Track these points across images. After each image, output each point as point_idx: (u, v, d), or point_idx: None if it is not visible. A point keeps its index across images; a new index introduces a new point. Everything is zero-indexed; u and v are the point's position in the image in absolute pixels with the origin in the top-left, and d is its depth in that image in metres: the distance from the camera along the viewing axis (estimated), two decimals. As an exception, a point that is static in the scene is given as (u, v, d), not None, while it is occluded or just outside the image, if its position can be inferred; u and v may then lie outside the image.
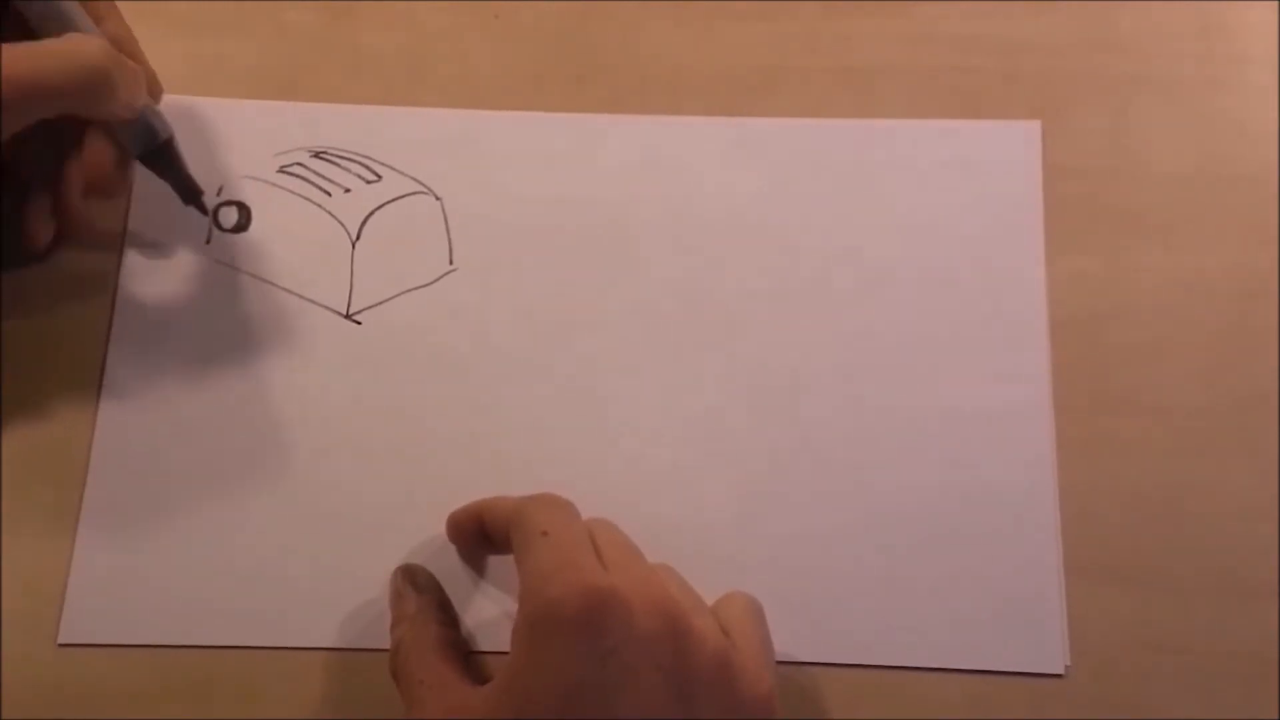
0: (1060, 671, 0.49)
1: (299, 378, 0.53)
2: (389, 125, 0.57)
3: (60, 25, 0.49)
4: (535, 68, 0.58)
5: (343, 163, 0.56)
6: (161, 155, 0.53)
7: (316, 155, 0.56)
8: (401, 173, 0.56)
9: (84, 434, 0.52)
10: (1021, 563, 0.50)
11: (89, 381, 0.52)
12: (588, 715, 0.40)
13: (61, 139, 0.51)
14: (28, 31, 0.49)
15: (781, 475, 0.51)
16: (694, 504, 0.51)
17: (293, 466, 0.51)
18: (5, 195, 0.52)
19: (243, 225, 0.55)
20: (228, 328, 0.53)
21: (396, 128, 0.57)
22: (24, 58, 0.46)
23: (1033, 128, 0.56)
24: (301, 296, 0.54)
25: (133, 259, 0.54)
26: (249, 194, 0.55)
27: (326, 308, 0.54)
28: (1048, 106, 0.57)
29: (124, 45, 0.51)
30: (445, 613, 0.48)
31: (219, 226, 0.55)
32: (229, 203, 0.55)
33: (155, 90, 0.53)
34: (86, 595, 0.49)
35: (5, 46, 0.46)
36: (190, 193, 0.54)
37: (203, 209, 0.54)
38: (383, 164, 0.56)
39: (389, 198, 0.56)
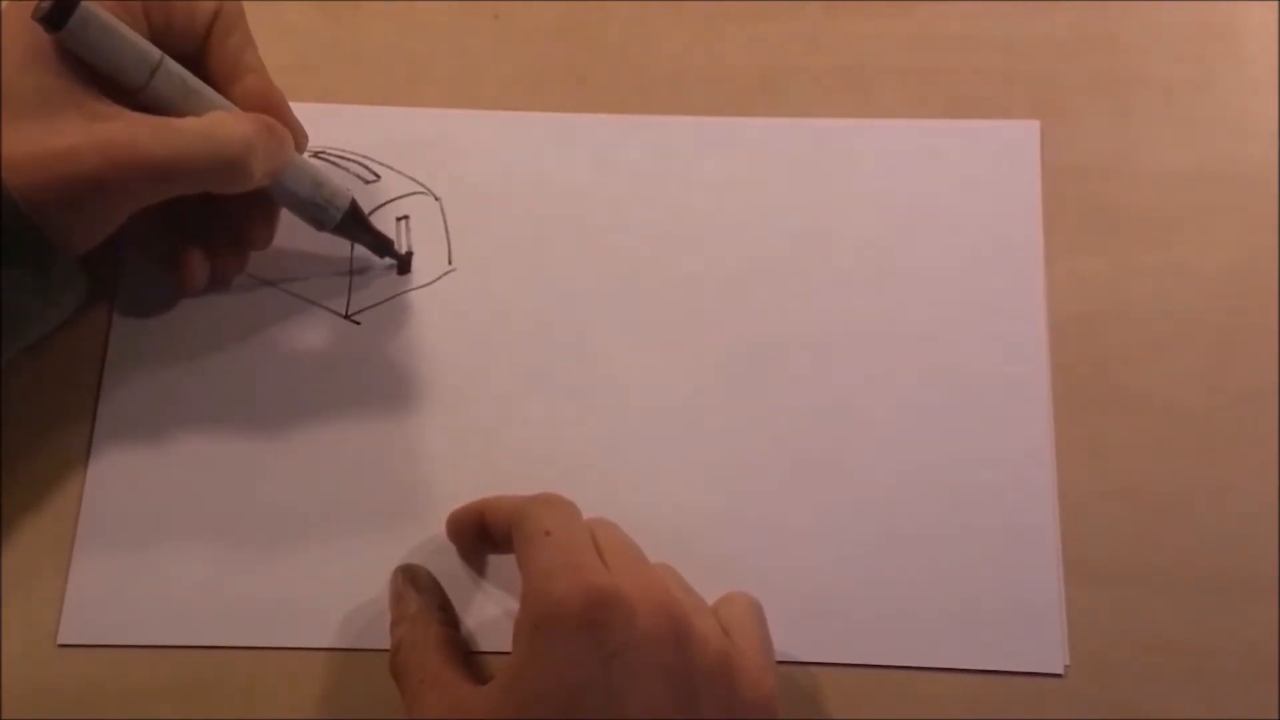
0: (1059, 671, 0.49)
1: (298, 378, 0.53)
2: (388, 125, 0.57)
3: (198, 100, 0.48)
4: (535, 68, 0.58)
5: (342, 163, 0.56)
6: (346, 224, 0.52)
7: (315, 155, 0.56)
8: (400, 173, 0.56)
9: (83, 434, 0.52)
10: (1021, 562, 0.50)
11: (88, 381, 0.52)
12: (590, 715, 0.40)
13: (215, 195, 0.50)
14: (161, 106, 0.48)
15: (781, 476, 0.51)
16: (694, 504, 0.51)
17: (292, 466, 0.51)
18: (164, 239, 0.52)
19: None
20: (227, 328, 0.53)
21: (395, 128, 0.57)
22: (163, 137, 0.46)
23: (1032, 127, 0.56)
24: (301, 297, 0.54)
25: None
26: (248, 194, 0.55)
27: (326, 308, 0.54)
28: (1048, 106, 0.57)
29: (269, 101, 0.50)
30: (446, 612, 0.48)
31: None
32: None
33: (300, 143, 0.52)
34: (86, 596, 0.49)
35: (147, 121, 0.46)
36: (383, 248, 0.53)
37: (401, 261, 0.54)
38: (381, 164, 0.56)
39: (388, 198, 0.56)
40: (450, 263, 0.55)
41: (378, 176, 0.56)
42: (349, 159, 0.56)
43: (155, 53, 0.47)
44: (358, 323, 0.54)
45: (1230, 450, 0.52)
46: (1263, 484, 0.51)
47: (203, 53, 0.50)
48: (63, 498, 0.51)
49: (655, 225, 0.55)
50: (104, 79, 0.46)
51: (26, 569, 0.50)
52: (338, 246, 0.54)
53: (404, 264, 0.54)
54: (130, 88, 0.47)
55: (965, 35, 0.58)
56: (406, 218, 0.55)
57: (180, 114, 0.47)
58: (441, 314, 0.54)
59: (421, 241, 0.55)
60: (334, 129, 0.56)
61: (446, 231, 0.55)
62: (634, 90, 0.58)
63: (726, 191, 0.56)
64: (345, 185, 0.52)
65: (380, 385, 0.53)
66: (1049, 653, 0.49)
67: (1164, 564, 0.50)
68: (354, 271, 0.54)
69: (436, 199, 0.56)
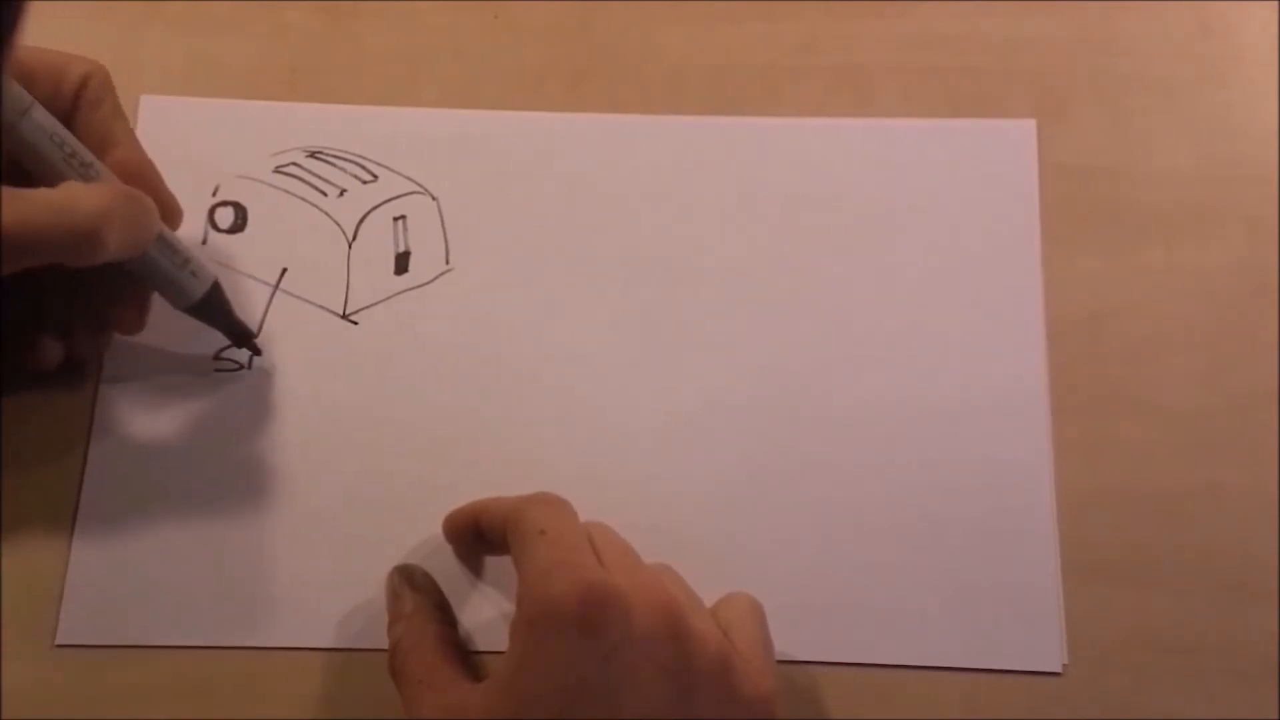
0: (1058, 670, 0.49)
1: (295, 378, 0.53)
2: (385, 125, 0.57)
3: (58, 169, 0.46)
4: (535, 68, 0.58)
5: (339, 163, 0.56)
6: (202, 308, 0.50)
7: (313, 155, 0.56)
8: (398, 173, 0.56)
9: (80, 434, 0.52)
10: (1019, 561, 0.50)
11: (86, 381, 0.52)
12: (587, 715, 0.39)
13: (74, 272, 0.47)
14: (23, 174, 0.46)
15: (779, 475, 0.51)
16: (692, 504, 0.51)
17: (290, 466, 0.51)
18: (13, 313, 0.50)
19: (239, 226, 0.55)
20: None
21: (392, 128, 0.57)
22: (11, 207, 0.43)
23: (1028, 126, 0.56)
24: (298, 297, 0.54)
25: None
26: (245, 194, 0.55)
27: (323, 308, 0.54)
28: (1047, 106, 0.57)
29: (139, 174, 0.49)
30: (443, 612, 0.48)
31: (215, 227, 0.55)
32: (225, 203, 0.55)
33: (174, 218, 0.50)
34: (84, 596, 0.49)
35: (7, 191, 0.43)
36: (240, 337, 0.52)
37: (255, 350, 0.52)
38: (379, 164, 0.56)
39: (385, 198, 0.56)
40: (448, 262, 0.55)
41: (374, 176, 0.56)
42: (345, 159, 0.56)
43: (27, 98, 0.45)
44: (355, 322, 0.54)
45: (1230, 450, 0.52)
46: (1262, 484, 0.51)
47: (69, 123, 0.48)
48: (61, 497, 0.51)
49: (654, 225, 0.55)
50: None
51: (25, 569, 0.50)
52: (334, 246, 0.54)
53: (255, 352, 0.52)
54: None
55: (964, 35, 0.58)
56: (404, 217, 0.55)
57: (50, 165, 0.46)
58: (439, 314, 0.54)
59: (419, 241, 0.55)
60: (330, 129, 0.57)
61: (444, 231, 0.55)
62: (634, 90, 0.58)
63: (726, 191, 0.56)
64: (210, 270, 0.51)
65: (377, 385, 0.53)
66: (1047, 652, 0.49)
67: (1162, 563, 0.50)
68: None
69: (434, 199, 0.56)
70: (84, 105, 0.49)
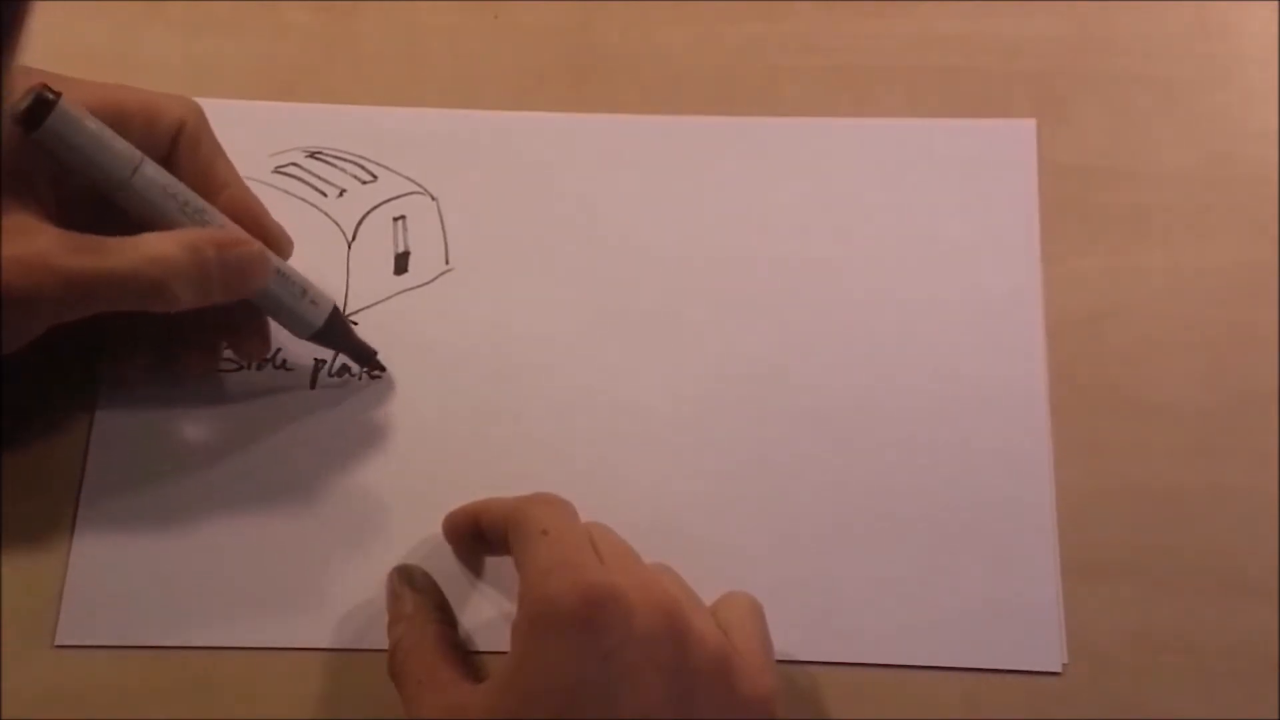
0: (1057, 670, 0.48)
1: (295, 378, 0.53)
2: (384, 125, 0.57)
3: (176, 221, 0.47)
4: (535, 68, 0.58)
5: (338, 163, 0.56)
6: (324, 335, 0.51)
7: (312, 156, 0.56)
8: (397, 173, 0.56)
9: (80, 434, 0.52)
10: (1019, 561, 0.50)
11: (86, 382, 0.52)
12: (587, 714, 0.39)
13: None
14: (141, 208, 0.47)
15: (779, 476, 0.51)
16: (694, 504, 0.51)
17: (290, 466, 0.51)
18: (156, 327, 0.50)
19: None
20: (225, 328, 0.53)
21: (392, 128, 0.57)
22: (88, 254, 0.45)
23: (1028, 126, 0.56)
24: (298, 297, 0.54)
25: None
26: (246, 194, 0.55)
27: (323, 308, 0.54)
28: (1047, 106, 0.57)
29: (247, 212, 0.49)
30: (443, 612, 0.48)
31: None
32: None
33: (285, 249, 0.51)
34: (84, 596, 0.49)
35: (70, 238, 0.45)
36: (363, 358, 0.52)
37: (379, 368, 0.53)
38: (378, 164, 0.56)
39: (385, 198, 0.56)
40: (447, 262, 0.55)
41: (375, 177, 0.56)
42: (344, 159, 0.56)
43: (136, 154, 0.46)
44: (355, 323, 0.54)
45: (1229, 450, 0.52)
46: (1262, 484, 0.51)
47: (170, 165, 0.48)
48: (60, 497, 0.51)
49: (654, 225, 0.55)
50: (76, 181, 0.46)
51: (25, 569, 0.50)
52: (334, 247, 0.54)
53: (379, 369, 0.53)
54: (109, 187, 0.46)
55: (964, 35, 0.58)
56: (403, 218, 0.55)
57: (167, 219, 0.47)
58: (438, 314, 0.54)
59: (419, 241, 0.55)
60: (329, 129, 0.57)
61: (444, 231, 0.55)
62: (634, 90, 0.58)
63: (725, 191, 0.56)
64: (329, 296, 0.51)
65: (377, 385, 0.53)
66: (1047, 651, 0.49)
67: (1162, 563, 0.50)
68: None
69: (434, 199, 0.56)
70: (184, 147, 0.49)
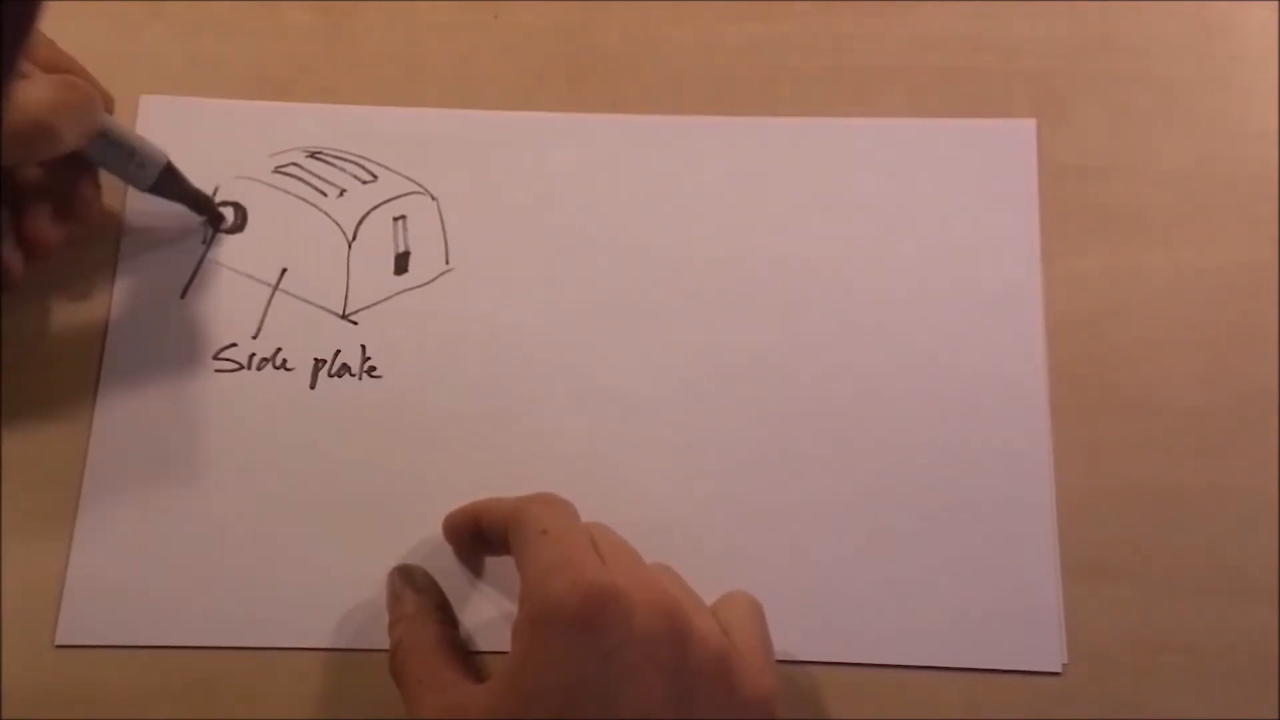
0: (1057, 670, 0.49)
1: (295, 378, 0.53)
2: (384, 125, 0.57)
3: None
4: (535, 68, 0.58)
5: (338, 163, 0.56)
6: (162, 184, 0.52)
7: (312, 155, 0.56)
8: (397, 173, 0.56)
9: (80, 435, 0.52)
10: (1019, 561, 0.50)
11: (86, 382, 0.53)
12: (588, 714, 0.39)
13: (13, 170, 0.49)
14: None
15: (779, 476, 0.51)
16: (694, 504, 0.51)
17: (289, 466, 0.51)
18: None
19: (239, 226, 0.55)
20: (224, 328, 0.53)
21: (392, 128, 0.57)
22: None
23: (1028, 126, 0.56)
24: (298, 297, 0.54)
25: (129, 260, 0.54)
26: (245, 195, 0.55)
27: (323, 308, 0.54)
28: (1047, 106, 0.57)
29: (63, 64, 0.50)
30: (444, 612, 0.48)
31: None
32: (225, 203, 0.55)
33: (107, 103, 0.52)
34: (84, 596, 0.50)
35: None
36: (201, 205, 0.54)
37: (219, 217, 0.54)
38: (378, 164, 0.56)
39: (385, 198, 0.56)
40: (447, 263, 0.55)
41: (374, 177, 0.56)
42: (345, 159, 0.56)
43: None
44: (355, 322, 0.54)
45: (1229, 450, 0.52)
46: (1262, 484, 0.51)
47: None
48: (61, 497, 0.51)
49: (653, 224, 0.55)
50: None
51: (24, 569, 0.50)
52: (334, 247, 0.54)
53: (216, 221, 0.54)
54: None
55: (965, 35, 0.58)
56: (404, 218, 0.55)
57: None
58: (438, 314, 0.54)
59: (419, 241, 0.55)
60: (329, 129, 0.57)
61: (444, 231, 0.55)
62: (634, 90, 0.58)
63: (725, 191, 0.56)
64: (160, 150, 0.52)
65: (377, 385, 0.53)
66: (1047, 651, 0.49)
67: (1162, 563, 0.50)
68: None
69: (434, 199, 0.56)
70: None
